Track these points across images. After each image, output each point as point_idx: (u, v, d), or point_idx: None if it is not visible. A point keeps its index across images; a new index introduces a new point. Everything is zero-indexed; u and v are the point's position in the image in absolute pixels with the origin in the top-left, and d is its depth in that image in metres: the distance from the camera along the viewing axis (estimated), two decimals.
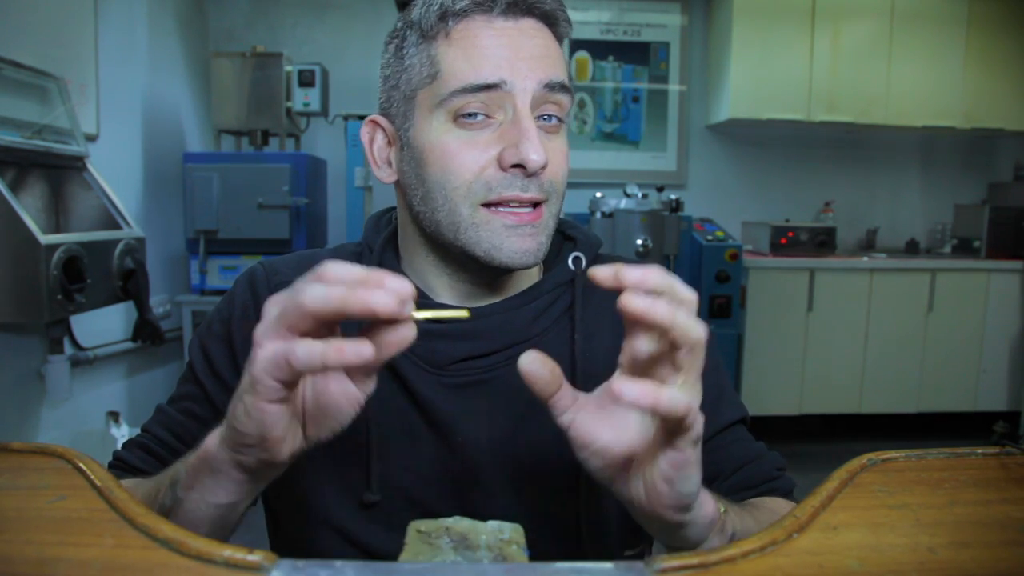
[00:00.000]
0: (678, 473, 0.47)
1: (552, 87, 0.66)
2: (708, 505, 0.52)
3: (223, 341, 0.74)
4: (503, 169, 0.65)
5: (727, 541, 0.55)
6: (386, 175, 0.73)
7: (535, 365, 0.48)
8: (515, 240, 0.66)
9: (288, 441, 0.48)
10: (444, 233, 0.68)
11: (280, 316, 0.44)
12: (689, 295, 0.46)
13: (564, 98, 0.68)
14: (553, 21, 0.70)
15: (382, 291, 0.42)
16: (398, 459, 0.69)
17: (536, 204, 0.67)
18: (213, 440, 0.51)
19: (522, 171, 0.64)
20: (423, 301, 0.72)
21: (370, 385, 0.49)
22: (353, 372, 0.48)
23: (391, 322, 0.45)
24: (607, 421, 0.49)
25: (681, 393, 0.43)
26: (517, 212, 0.66)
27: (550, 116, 0.68)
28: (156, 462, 0.71)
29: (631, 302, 0.43)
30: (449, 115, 0.66)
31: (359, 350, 0.42)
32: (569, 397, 0.49)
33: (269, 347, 0.44)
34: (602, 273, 0.44)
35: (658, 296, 0.44)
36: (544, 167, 0.65)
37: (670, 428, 0.45)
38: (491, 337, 0.70)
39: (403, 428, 0.70)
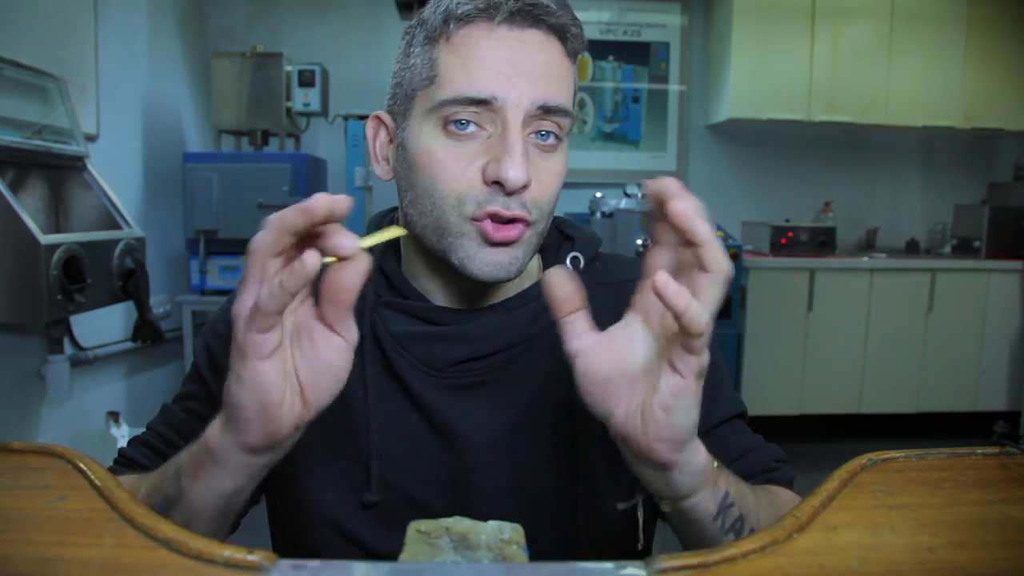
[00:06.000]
0: (677, 401, 0.47)
1: (547, 109, 0.63)
2: (701, 453, 0.52)
3: (227, 341, 0.74)
4: (485, 183, 0.63)
5: (720, 499, 0.54)
6: (383, 172, 0.72)
7: (559, 278, 0.50)
8: (489, 254, 0.64)
9: (287, 408, 0.49)
10: (429, 236, 0.67)
11: (246, 278, 0.48)
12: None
13: (562, 120, 0.65)
14: (562, 35, 0.66)
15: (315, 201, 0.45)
16: (398, 460, 0.70)
17: (517, 220, 0.64)
18: (215, 427, 0.52)
19: (502, 188, 0.62)
20: (398, 287, 0.73)
21: (353, 332, 0.50)
22: (331, 320, 0.49)
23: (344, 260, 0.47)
24: (613, 353, 0.50)
25: (704, 312, 0.44)
26: (495, 225, 0.64)
27: (547, 133, 0.65)
28: (160, 459, 0.71)
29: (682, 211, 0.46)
30: (440, 121, 0.64)
31: (306, 261, 0.44)
32: (583, 324, 0.51)
33: (244, 305, 0.47)
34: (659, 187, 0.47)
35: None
36: (526, 186, 0.62)
37: (682, 344, 0.46)
38: (489, 339, 0.70)
39: (403, 429, 0.70)
